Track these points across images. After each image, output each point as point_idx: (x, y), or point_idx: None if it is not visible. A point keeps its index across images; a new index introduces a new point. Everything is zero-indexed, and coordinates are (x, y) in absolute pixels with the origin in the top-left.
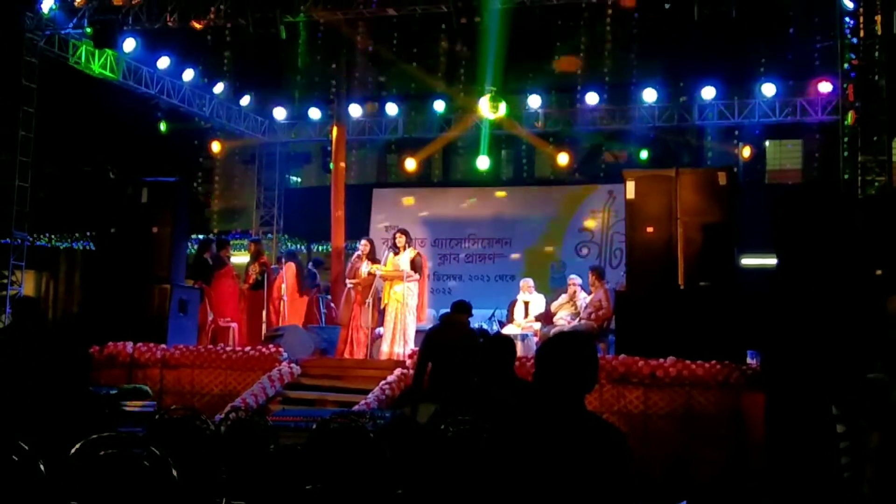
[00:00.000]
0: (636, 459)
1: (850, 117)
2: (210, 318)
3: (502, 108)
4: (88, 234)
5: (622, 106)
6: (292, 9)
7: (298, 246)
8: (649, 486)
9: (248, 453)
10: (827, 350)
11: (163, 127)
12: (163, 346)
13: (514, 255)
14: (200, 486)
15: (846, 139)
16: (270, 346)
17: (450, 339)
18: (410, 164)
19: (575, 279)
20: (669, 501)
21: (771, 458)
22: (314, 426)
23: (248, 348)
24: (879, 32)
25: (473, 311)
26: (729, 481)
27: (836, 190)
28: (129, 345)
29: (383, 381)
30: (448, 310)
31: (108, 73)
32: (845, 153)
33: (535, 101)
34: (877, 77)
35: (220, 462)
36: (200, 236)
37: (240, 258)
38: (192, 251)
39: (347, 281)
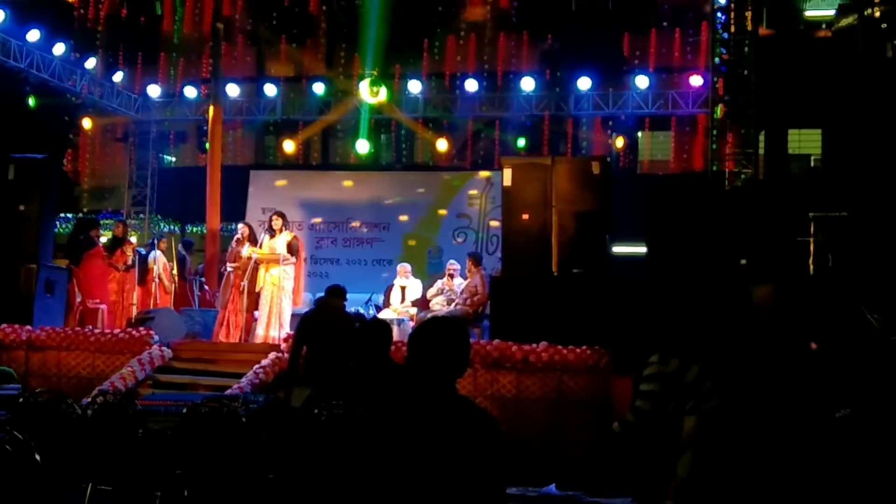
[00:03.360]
0: (508, 443)
1: (719, 110)
2: (78, 300)
3: (382, 92)
4: None
5: (501, 94)
6: None
7: (172, 227)
8: (520, 469)
9: (115, 438)
10: (693, 336)
11: (31, 102)
12: (28, 327)
13: (394, 236)
14: (65, 470)
15: (715, 132)
16: (141, 328)
17: (325, 322)
18: (289, 146)
19: (453, 264)
20: (540, 483)
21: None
22: (184, 410)
23: (117, 330)
24: (749, 28)
25: (350, 296)
26: (598, 463)
27: (704, 181)
28: None
29: (257, 365)
30: (323, 294)
31: None
32: (714, 146)
33: (415, 87)
34: (746, 72)
35: (86, 446)
36: (69, 215)
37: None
38: (62, 230)
39: (228, 265)
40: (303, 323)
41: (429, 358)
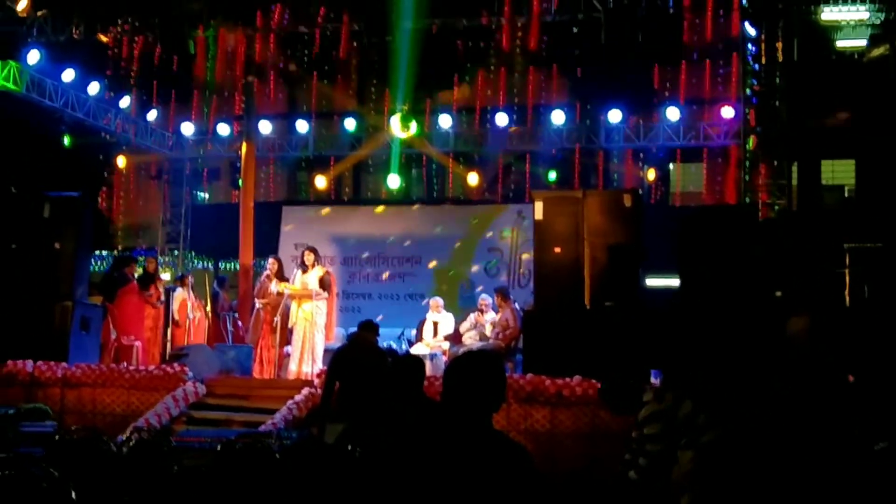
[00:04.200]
0: (542, 477)
1: (751, 142)
2: (113, 337)
3: (413, 127)
4: None
5: (531, 127)
6: (201, 24)
7: (205, 263)
8: None
9: (150, 474)
10: (727, 369)
11: (67, 141)
12: (64, 364)
13: (426, 270)
14: None
15: (748, 163)
16: (175, 365)
17: (357, 358)
18: (321, 182)
19: (486, 299)
20: None
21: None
22: (219, 447)
23: (151, 367)
24: (780, 59)
25: (382, 330)
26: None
27: (737, 213)
28: (29, 363)
29: (290, 401)
30: (356, 329)
31: (10, 85)
32: (747, 177)
33: (445, 121)
34: (777, 103)
35: (122, 484)
36: (104, 252)
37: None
38: (96, 268)
39: (257, 301)
40: (336, 358)
41: (465, 392)
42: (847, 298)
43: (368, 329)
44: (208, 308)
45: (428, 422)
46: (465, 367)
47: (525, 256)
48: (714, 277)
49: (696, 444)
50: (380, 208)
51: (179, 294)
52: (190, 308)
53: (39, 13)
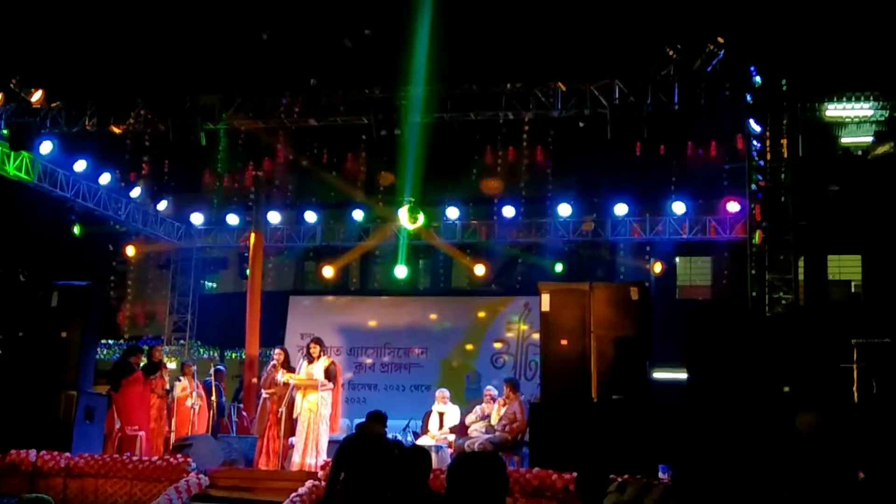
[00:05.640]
0: None
1: (757, 236)
2: (117, 426)
3: (421, 218)
4: None
5: (538, 220)
6: (213, 116)
7: (211, 353)
8: None
9: None
10: (736, 464)
11: (77, 230)
12: (67, 454)
13: (432, 361)
14: None
15: (754, 257)
16: (178, 455)
17: (364, 449)
18: (328, 272)
19: (491, 390)
20: None
21: None
22: None
23: (154, 458)
24: (785, 155)
25: (388, 421)
26: None
27: (744, 307)
28: (32, 453)
29: (294, 494)
30: (363, 419)
31: (22, 175)
32: (753, 271)
33: (453, 213)
34: (783, 198)
35: None
36: (111, 341)
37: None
38: (102, 357)
39: (264, 391)
40: (342, 449)
41: (467, 492)
42: (855, 394)
43: (377, 420)
44: (213, 398)
45: None
46: (466, 468)
47: (532, 348)
48: (722, 372)
49: None
50: (386, 307)
51: (182, 382)
52: (194, 397)
53: (53, 105)
